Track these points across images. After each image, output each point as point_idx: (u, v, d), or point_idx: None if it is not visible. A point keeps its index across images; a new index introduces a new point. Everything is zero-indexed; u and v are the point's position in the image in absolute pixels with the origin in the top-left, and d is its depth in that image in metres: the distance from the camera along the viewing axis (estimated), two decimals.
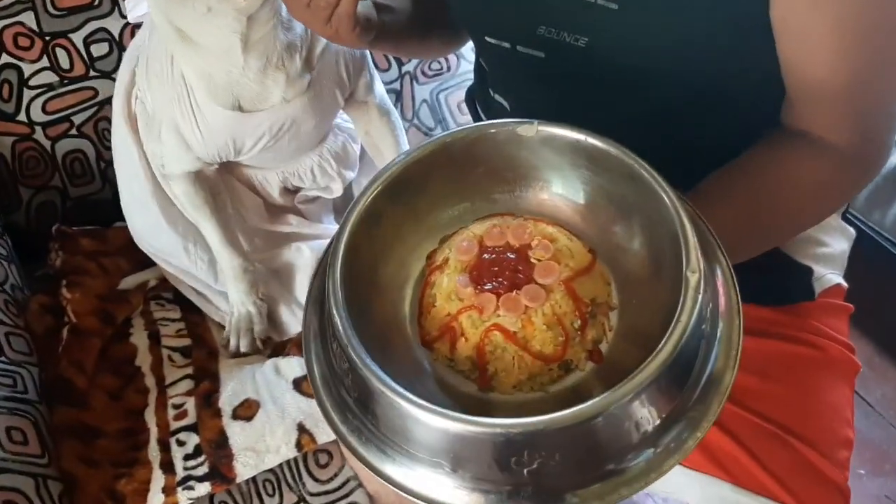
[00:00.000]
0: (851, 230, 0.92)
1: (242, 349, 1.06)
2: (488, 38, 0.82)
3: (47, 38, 1.17)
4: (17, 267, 1.16)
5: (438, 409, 0.51)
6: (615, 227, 0.64)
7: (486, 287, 0.59)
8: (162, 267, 1.13)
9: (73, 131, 1.23)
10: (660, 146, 0.77)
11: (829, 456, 0.79)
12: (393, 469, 0.55)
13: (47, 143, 1.22)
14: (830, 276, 0.87)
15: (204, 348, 1.09)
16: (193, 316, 1.13)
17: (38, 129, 1.20)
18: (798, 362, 0.82)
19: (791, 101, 0.73)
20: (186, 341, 1.09)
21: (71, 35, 1.18)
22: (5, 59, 1.15)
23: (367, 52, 1.03)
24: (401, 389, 0.52)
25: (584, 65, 0.75)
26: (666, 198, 0.58)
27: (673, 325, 0.52)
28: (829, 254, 0.88)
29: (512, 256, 0.60)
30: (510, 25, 0.79)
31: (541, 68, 0.78)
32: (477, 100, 1.01)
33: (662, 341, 0.51)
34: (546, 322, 0.58)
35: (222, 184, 1.08)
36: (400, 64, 1.32)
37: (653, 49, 0.72)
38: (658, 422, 0.52)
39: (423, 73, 1.34)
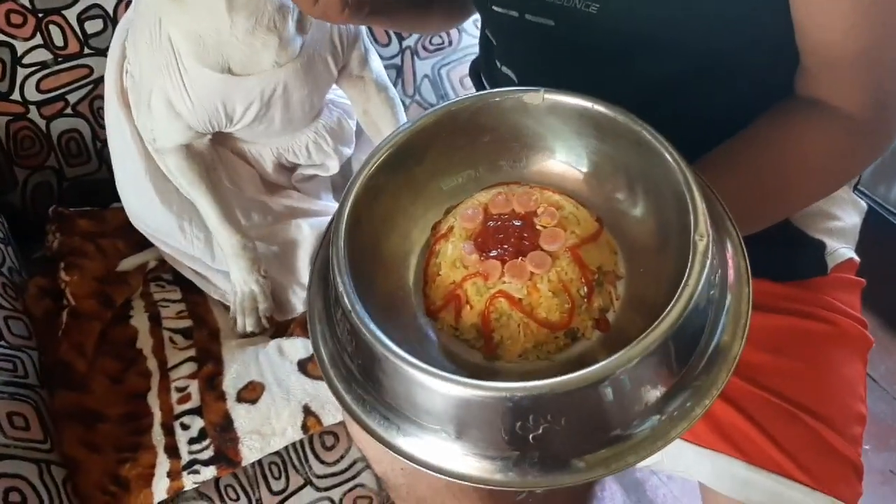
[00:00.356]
0: (863, 203, 0.91)
1: (249, 329, 1.05)
2: (495, 7, 0.80)
3: (40, 15, 1.14)
4: (15, 249, 1.15)
5: (441, 372, 0.51)
6: (621, 195, 0.64)
7: (492, 254, 0.59)
8: (159, 247, 1.11)
9: (69, 110, 1.20)
10: (669, 116, 0.76)
11: (842, 432, 0.78)
12: (399, 439, 0.55)
13: (42, 123, 1.19)
14: (843, 250, 0.86)
15: (205, 329, 1.07)
16: (194, 296, 1.12)
17: (33, 108, 1.18)
18: (811, 338, 0.81)
19: (804, 68, 0.71)
20: (188, 322, 1.07)
21: (64, 12, 1.15)
22: None
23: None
24: (404, 354, 0.52)
25: (594, 32, 0.73)
26: (675, 164, 0.57)
27: (680, 290, 0.51)
28: (840, 227, 0.87)
29: (517, 224, 0.60)
30: None
31: (550, 37, 0.77)
32: (483, 73, 0.99)
33: (669, 306, 0.51)
34: (552, 289, 0.57)
35: (217, 158, 1.05)
36: (400, 39, 1.30)
37: (663, 16, 0.70)
38: (664, 389, 0.52)
39: (424, 48, 1.31)
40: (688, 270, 0.52)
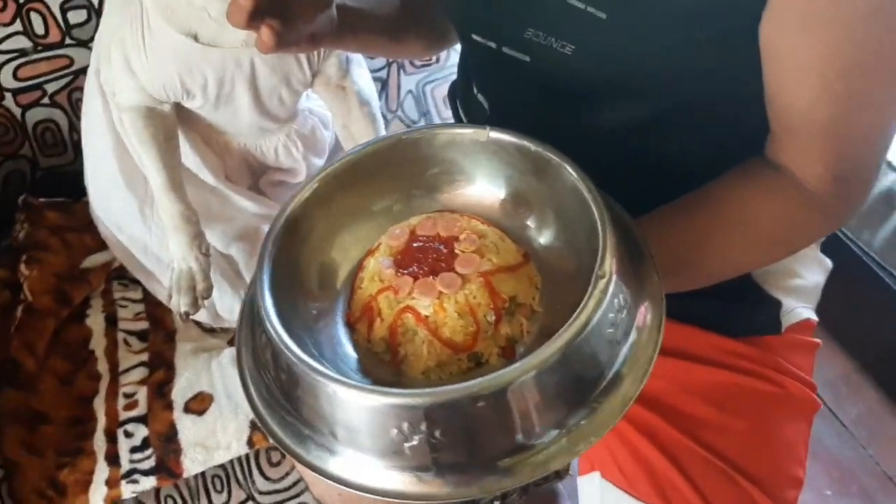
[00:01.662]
0: (828, 262, 0.89)
1: (183, 308, 0.96)
2: (475, 36, 0.80)
3: (21, 0, 1.13)
4: None
5: (322, 369, 0.53)
6: (546, 232, 0.67)
7: (407, 271, 0.62)
8: (111, 240, 1.08)
9: (46, 100, 1.19)
10: (635, 161, 0.76)
11: (775, 496, 0.77)
12: (321, 459, 0.56)
13: (17, 111, 1.18)
14: (800, 310, 0.85)
15: (161, 332, 1.06)
16: (155, 297, 1.11)
17: (9, 95, 1.17)
18: (756, 397, 0.80)
19: (771, 131, 0.71)
20: (144, 325, 1.07)
21: None
22: None
23: None
24: (296, 349, 0.55)
25: (568, 72, 0.73)
26: (592, 204, 0.59)
27: (567, 324, 0.53)
28: (801, 286, 0.86)
29: (439, 246, 0.63)
30: (498, 25, 0.77)
31: (524, 71, 0.77)
32: (458, 97, 0.98)
33: (549, 341, 0.52)
34: (458, 310, 0.59)
35: (180, 133, 1.00)
36: None
37: (638, 60, 0.70)
38: (542, 423, 0.53)
39: (412, 64, 1.30)
40: (582, 304, 0.53)
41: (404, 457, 0.53)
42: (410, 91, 1.32)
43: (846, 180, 0.68)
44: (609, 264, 0.55)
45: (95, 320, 1.06)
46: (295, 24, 0.70)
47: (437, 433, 0.51)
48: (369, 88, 1.04)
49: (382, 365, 0.62)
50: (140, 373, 1.00)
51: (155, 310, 1.09)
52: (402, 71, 1.30)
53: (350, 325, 0.64)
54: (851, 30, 0.61)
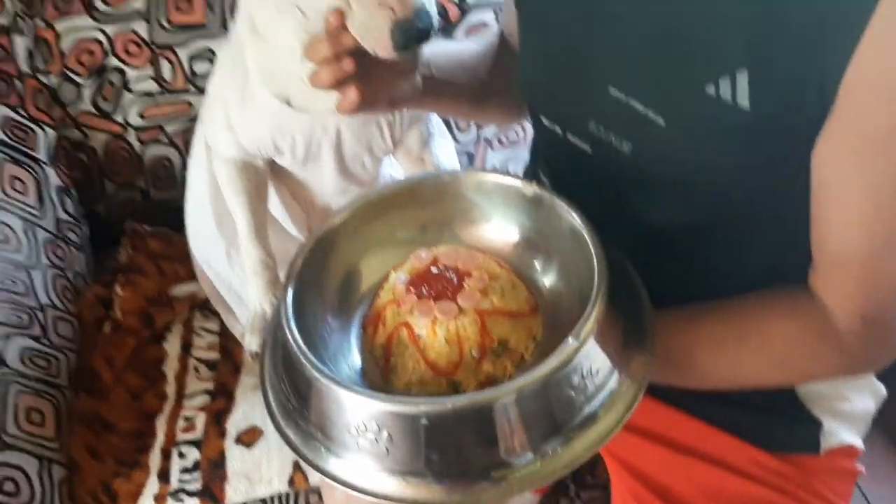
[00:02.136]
0: (882, 390, 0.87)
1: (252, 348, 1.02)
2: (543, 119, 0.84)
3: (155, 48, 1.26)
4: (87, 255, 1.25)
5: (320, 367, 0.59)
6: (550, 274, 0.72)
7: (415, 290, 0.66)
8: (200, 274, 1.16)
9: (164, 138, 1.31)
10: (682, 260, 0.77)
11: None
12: (329, 461, 0.60)
13: (137, 146, 1.31)
14: (844, 435, 0.83)
15: (230, 364, 1.13)
16: (230, 332, 1.18)
17: (132, 131, 1.29)
18: None
19: (813, 259, 0.70)
20: (215, 355, 1.14)
21: (177, 49, 1.26)
22: (113, 62, 1.25)
23: None
24: (298, 338, 0.61)
25: (625, 169, 0.75)
26: (596, 276, 0.62)
27: (525, 373, 0.56)
28: (848, 410, 0.84)
29: (451, 277, 0.67)
30: (565, 112, 0.80)
31: (585, 161, 0.79)
32: (527, 177, 1.02)
33: (501, 385, 0.57)
34: (447, 337, 0.63)
35: (271, 185, 1.08)
36: (479, 128, 1.35)
37: (691, 167, 0.71)
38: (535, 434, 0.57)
39: (499, 141, 1.36)
40: (546, 361, 0.57)
41: (389, 459, 0.57)
42: (495, 167, 1.37)
43: (874, 324, 0.67)
44: (587, 330, 0.58)
45: (173, 345, 1.14)
46: (376, 88, 0.76)
47: (390, 437, 0.56)
48: (449, 162, 1.09)
49: (376, 371, 0.67)
50: (202, 399, 1.07)
51: (228, 343, 1.16)
52: (489, 147, 1.36)
53: (364, 328, 0.70)
54: None
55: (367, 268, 0.75)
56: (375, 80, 0.75)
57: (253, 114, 0.94)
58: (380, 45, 0.71)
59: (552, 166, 0.90)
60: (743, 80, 0.64)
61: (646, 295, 0.68)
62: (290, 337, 0.62)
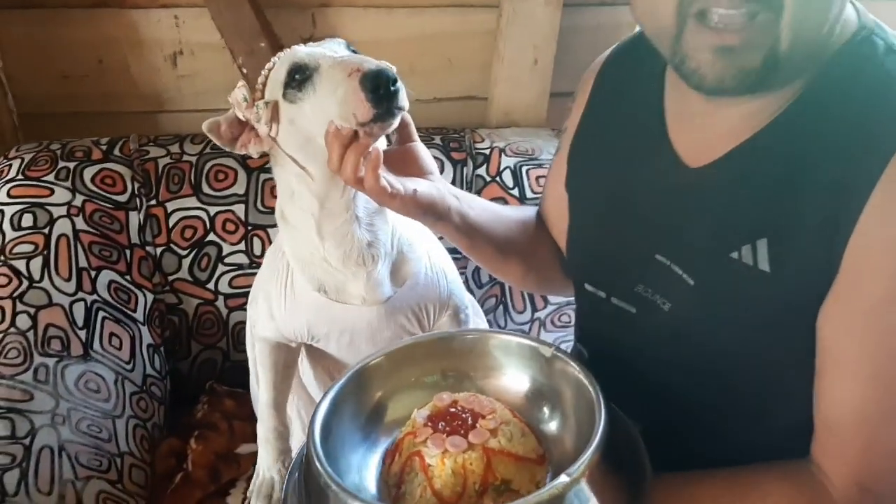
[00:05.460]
0: None
1: None
2: (587, 286, 0.91)
3: (249, 227, 1.42)
4: (166, 409, 1.36)
5: (342, 484, 0.66)
6: (555, 423, 0.78)
7: (432, 425, 0.73)
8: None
9: (247, 306, 1.44)
10: (699, 416, 0.82)
11: None
12: None
13: (224, 312, 1.45)
14: None
15: None
16: None
17: (221, 298, 1.44)
18: None
19: (815, 428, 0.74)
20: None
21: (269, 229, 1.42)
22: (212, 237, 1.41)
23: (457, 293, 1.09)
24: (323, 460, 0.69)
25: (664, 327, 0.82)
26: (595, 441, 0.66)
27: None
28: None
29: (467, 416, 0.74)
30: (612, 279, 0.88)
31: (627, 322, 0.86)
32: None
33: None
34: (454, 469, 0.69)
35: (308, 360, 1.16)
36: (534, 310, 1.44)
37: (714, 328, 0.78)
38: None
39: (552, 322, 1.44)
40: (537, 492, 0.62)
41: None
42: (523, 331, 1.44)
43: (869, 492, 0.70)
44: (580, 470, 0.63)
45: (235, 499, 1.21)
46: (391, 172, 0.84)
47: None
48: None
49: (388, 499, 0.72)
50: None
51: None
52: (542, 328, 1.44)
53: (383, 460, 0.77)
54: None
55: (394, 401, 0.83)
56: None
57: (292, 305, 1.04)
58: (358, 106, 0.80)
59: (590, 332, 0.97)
60: (762, 247, 0.72)
61: (648, 461, 0.73)
62: (315, 461, 0.69)
